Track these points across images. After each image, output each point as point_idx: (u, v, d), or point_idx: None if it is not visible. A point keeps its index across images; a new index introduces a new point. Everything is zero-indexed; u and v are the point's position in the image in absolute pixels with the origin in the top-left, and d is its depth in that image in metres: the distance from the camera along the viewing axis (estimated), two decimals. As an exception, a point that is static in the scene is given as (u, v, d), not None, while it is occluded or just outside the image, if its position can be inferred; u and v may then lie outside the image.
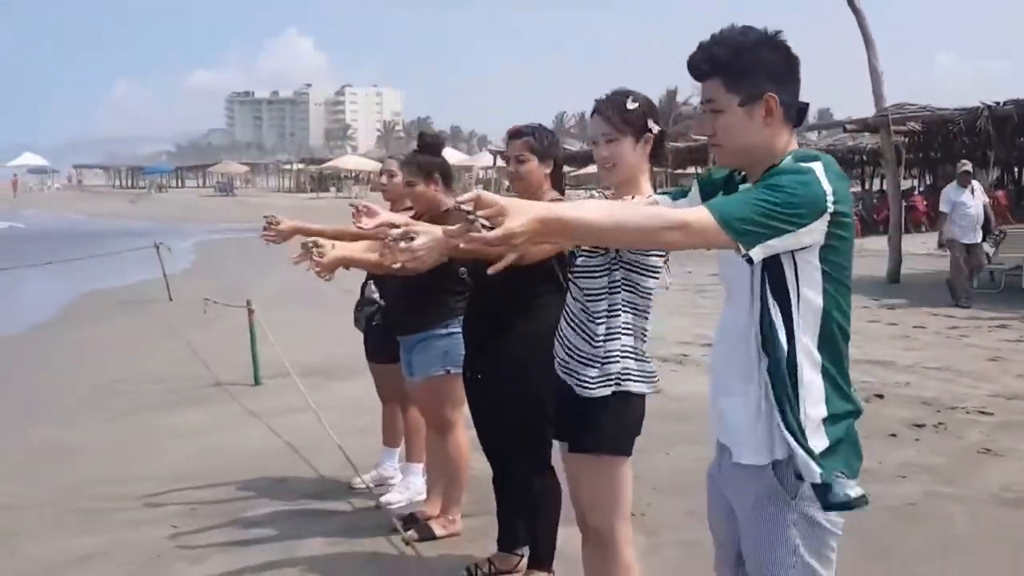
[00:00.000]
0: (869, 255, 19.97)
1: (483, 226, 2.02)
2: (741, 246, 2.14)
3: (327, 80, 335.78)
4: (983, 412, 7.15)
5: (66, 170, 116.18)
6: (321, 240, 4.38)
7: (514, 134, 4.23)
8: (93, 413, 8.02)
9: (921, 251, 20.18)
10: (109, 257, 18.78)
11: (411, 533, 4.81)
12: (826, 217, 2.19)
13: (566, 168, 15.05)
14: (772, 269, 2.25)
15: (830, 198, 2.19)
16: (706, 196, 2.48)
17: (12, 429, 7.59)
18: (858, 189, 30.77)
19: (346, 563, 4.60)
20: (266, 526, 5.14)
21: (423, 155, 4.84)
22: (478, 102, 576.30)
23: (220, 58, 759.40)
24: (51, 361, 10.94)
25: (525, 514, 4.24)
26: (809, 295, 2.27)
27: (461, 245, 2.07)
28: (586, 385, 3.15)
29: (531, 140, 4.12)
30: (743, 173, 2.46)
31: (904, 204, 24.90)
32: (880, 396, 7.72)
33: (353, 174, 67.33)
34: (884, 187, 27.90)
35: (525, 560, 4.29)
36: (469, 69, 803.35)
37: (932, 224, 25.99)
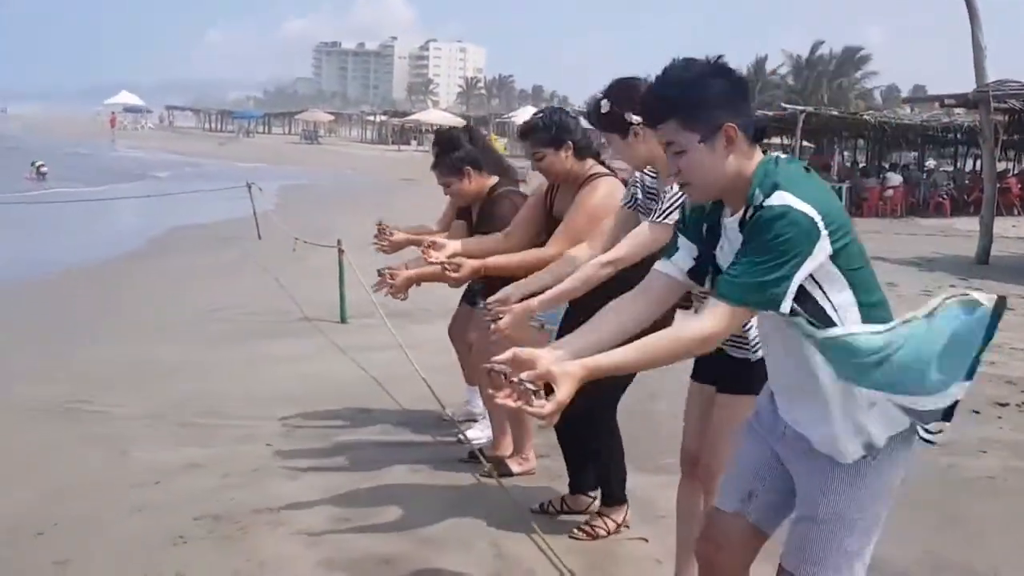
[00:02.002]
0: (958, 235, 19.60)
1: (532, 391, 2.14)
2: (771, 311, 2.24)
3: (412, 34, 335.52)
4: (1069, 395, 7.05)
5: (158, 110, 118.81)
6: (393, 266, 4.62)
7: (522, 135, 4.37)
8: (192, 336, 8.40)
9: (1012, 234, 19.67)
10: (202, 194, 19.33)
11: (490, 467, 4.98)
12: (823, 237, 2.22)
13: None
14: (799, 298, 2.27)
15: (818, 221, 2.21)
16: (694, 239, 2.51)
17: (118, 346, 8.02)
18: (950, 168, 29.95)
19: (427, 490, 4.79)
20: (354, 450, 5.38)
21: (445, 156, 5.03)
22: (560, 62, 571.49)
23: (313, 6, 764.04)
24: (151, 287, 11.42)
25: (595, 456, 4.33)
26: (839, 296, 2.30)
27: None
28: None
29: (538, 135, 4.22)
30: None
31: (997, 185, 24.35)
32: (964, 373, 7.66)
33: (434, 128, 67.54)
34: (977, 167, 27.16)
35: (597, 502, 4.41)
36: (553, 29, 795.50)
37: (1025, 208, 25.40)
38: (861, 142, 35.86)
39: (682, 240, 2.54)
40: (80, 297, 10.70)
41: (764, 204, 2.23)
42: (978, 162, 26.12)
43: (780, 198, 2.21)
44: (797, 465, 2.51)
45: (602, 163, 4.36)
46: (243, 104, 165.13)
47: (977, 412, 6.49)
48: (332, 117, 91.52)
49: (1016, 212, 24.61)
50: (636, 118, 3.24)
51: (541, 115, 4.34)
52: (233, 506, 4.51)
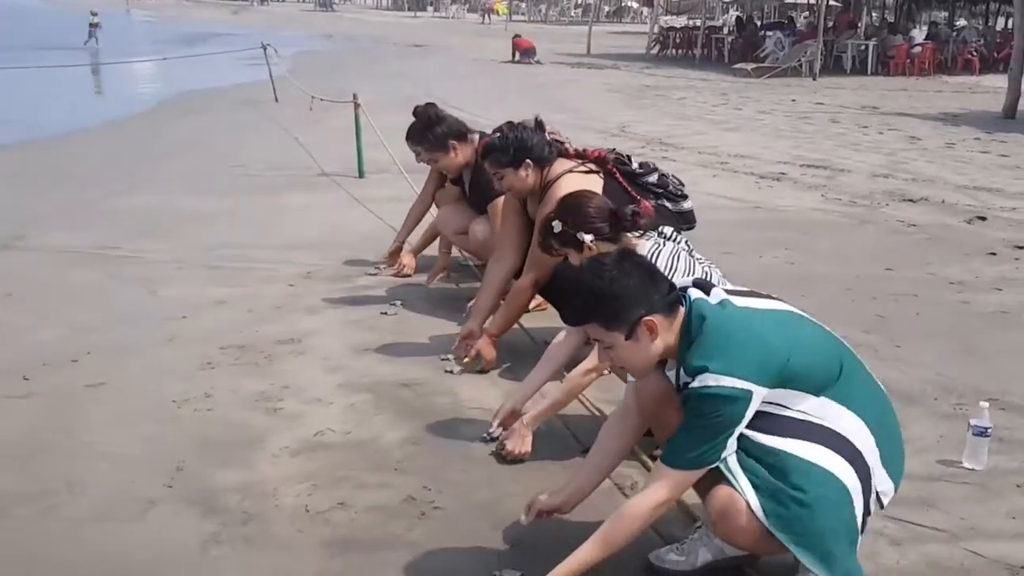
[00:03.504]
0: (986, 92, 19.18)
1: None
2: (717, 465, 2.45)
3: None
4: (1089, 239, 7.02)
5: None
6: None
7: (481, 155, 4.37)
8: (215, 188, 8.50)
9: (1042, 90, 19.20)
10: (218, 57, 19.13)
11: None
12: (756, 396, 2.39)
13: None
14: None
15: (749, 388, 2.36)
16: None
17: (144, 196, 8.13)
18: (980, 25, 29.03)
19: (446, 326, 4.89)
20: (374, 289, 5.51)
21: (427, 134, 5.03)
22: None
23: None
24: (175, 143, 11.52)
25: None
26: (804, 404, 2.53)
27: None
28: None
29: (496, 156, 4.21)
30: None
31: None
32: (983, 218, 7.64)
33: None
34: (1009, 25, 26.32)
35: None
36: None
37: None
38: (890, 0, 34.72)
39: None
40: (108, 152, 10.88)
41: (692, 387, 2.40)
42: (1010, 21, 25.22)
43: (706, 380, 2.36)
44: None
45: (573, 152, 4.34)
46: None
47: (994, 254, 6.50)
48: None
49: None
50: (588, 236, 3.31)
51: (498, 135, 4.30)
52: (258, 337, 4.64)
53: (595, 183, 4.17)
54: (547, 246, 3.45)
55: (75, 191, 8.35)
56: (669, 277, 3.17)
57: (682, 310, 2.50)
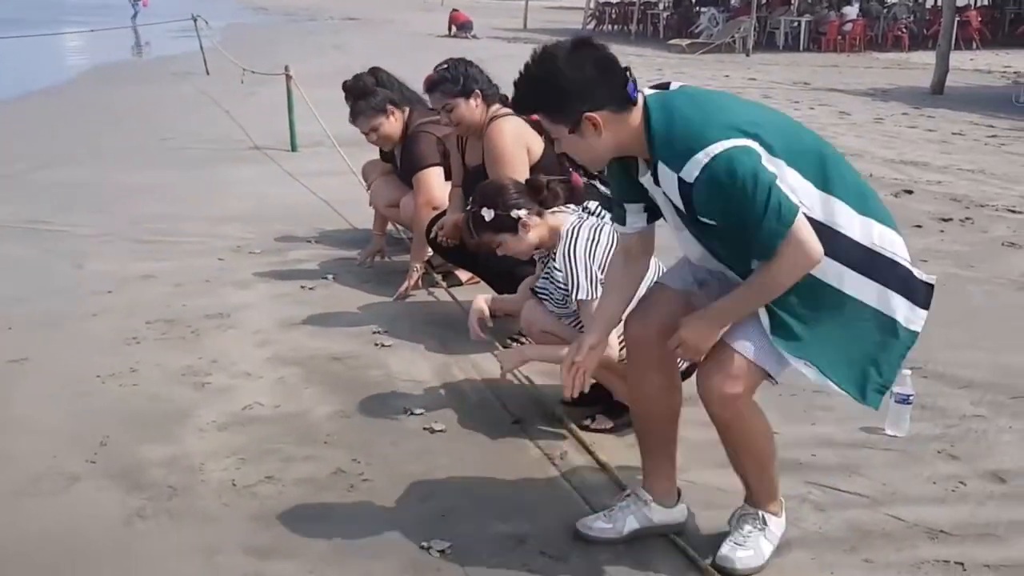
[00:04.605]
0: (915, 68, 19.54)
1: None
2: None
3: None
4: (1012, 210, 7.18)
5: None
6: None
7: (429, 88, 4.31)
8: (145, 161, 8.36)
9: (968, 67, 19.62)
10: (148, 28, 18.70)
11: (439, 277, 5.09)
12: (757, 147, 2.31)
13: None
14: None
15: (746, 145, 2.28)
16: (632, 198, 2.59)
17: (74, 169, 7.98)
18: (911, 2, 29.51)
19: (379, 299, 4.87)
20: (305, 263, 5.45)
21: (364, 103, 4.92)
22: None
23: None
24: (103, 115, 11.27)
25: None
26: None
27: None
28: None
29: (446, 87, 4.18)
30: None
31: (957, 19, 24.12)
32: (909, 192, 7.78)
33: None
34: (938, 2, 26.84)
35: None
36: None
37: (983, 42, 25.25)
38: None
39: (627, 207, 2.62)
40: (36, 124, 10.61)
41: (696, 177, 2.28)
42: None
43: (699, 160, 2.27)
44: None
45: (509, 105, 4.28)
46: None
47: (919, 226, 6.63)
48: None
49: (975, 46, 24.44)
50: (521, 212, 3.27)
51: (446, 67, 4.26)
52: (185, 312, 4.57)
53: (535, 138, 4.18)
54: (481, 238, 3.38)
55: (2, 164, 8.12)
56: (592, 251, 3.19)
57: (638, 108, 2.41)
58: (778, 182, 2.28)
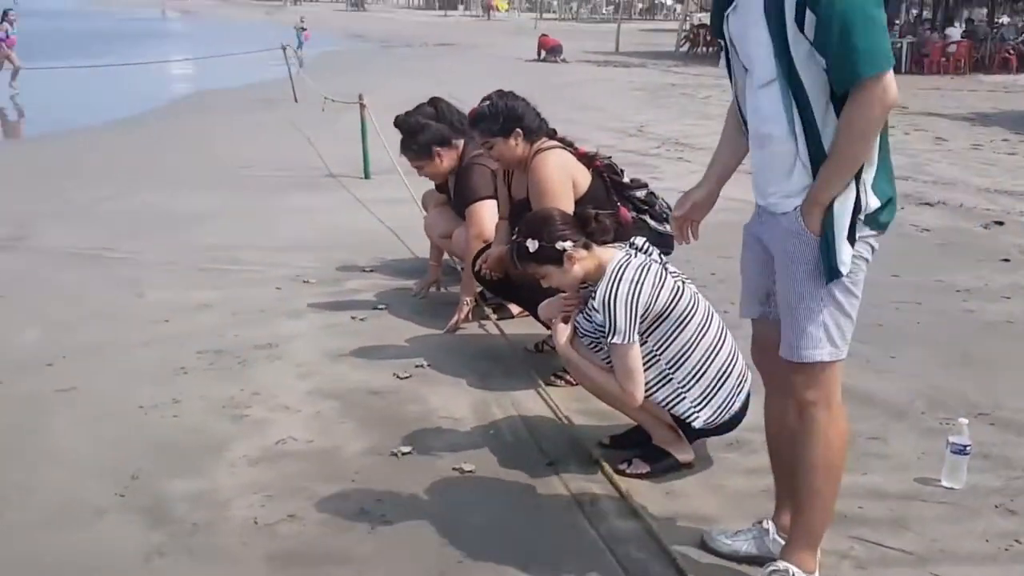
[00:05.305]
0: (1021, 91, 18.79)
1: None
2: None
3: None
4: (1111, 247, 6.79)
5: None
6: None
7: (471, 123, 4.27)
8: (219, 190, 8.50)
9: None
10: (246, 56, 19.25)
11: (490, 310, 5.04)
12: None
13: None
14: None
15: None
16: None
17: (147, 197, 8.17)
18: (1021, 23, 28.50)
19: (428, 331, 4.84)
20: (362, 293, 5.46)
21: (411, 140, 4.96)
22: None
23: None
24: (188, 143, 11.58)
25: None
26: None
27: None
28: None
29: (486, 125, 4.13)
30: None
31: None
32: (1000, 223, 7.42)
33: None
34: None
35: None
36: None
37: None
38: (929, -3, 34.19)
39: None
40: (114, 152, 10.93)
41: None
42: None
43: None
44: (774, 244, 2.51)
45: (558, 139, 4.26)
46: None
47: (1007, 260, 6.31)
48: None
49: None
50: (567, 244, 3.17)
51: (488, 103, 4.20)
52: (236, 342, 4.60)
53: (582, 172, 4.11)
54: (525, 269, 3.29)
55: (79, 190, 8.40)
56: (636, 294, 3.08)
57: None
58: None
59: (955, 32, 25.08)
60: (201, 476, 3.32)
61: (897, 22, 27.75)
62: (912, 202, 8.04)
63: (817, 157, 2.33)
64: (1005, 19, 34.12)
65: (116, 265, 5.99)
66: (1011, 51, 24.59)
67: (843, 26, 2.19)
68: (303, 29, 28.93)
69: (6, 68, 17.25)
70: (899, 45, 24.31)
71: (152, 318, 4.95)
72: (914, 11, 35.08)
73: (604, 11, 59.44)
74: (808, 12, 2.23)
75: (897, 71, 16.44)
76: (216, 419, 3.77)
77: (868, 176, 2.36)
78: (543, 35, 27.24)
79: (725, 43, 2.55)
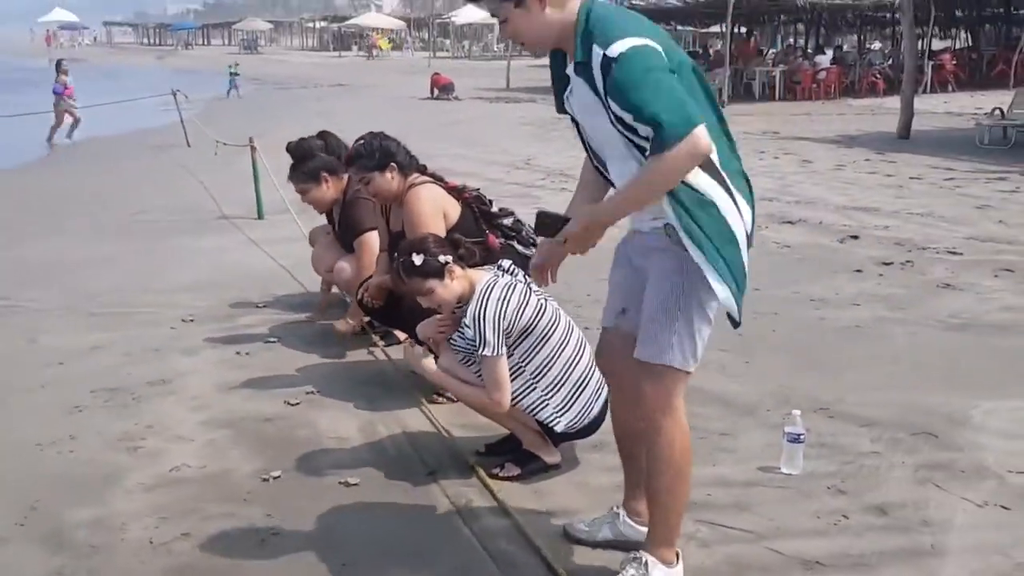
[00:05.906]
0: (888, 113, 19.83)
1: None
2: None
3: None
4: (953, 252, 7.39)
5: (95, 27, 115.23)
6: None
7: (346, 162, 4.63)
8: (112, 236, 8.61)
9: (941, 110, 19.98)
10: (136, 103, 19.15)
11: (376, 337, 5.31)
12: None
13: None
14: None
15: (647, 44, 2.50)
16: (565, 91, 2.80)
17: (39, 245, 8.21)
18: (888, 48, 30.12)
19: (317, 360, 5.09)
20: (255, 327, 5.67)
21: (301, 165, 5.29)
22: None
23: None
24: (82, 191, 11.61)
25: None
26: None
27: None
28: None
29: (362, 162, 4.45)
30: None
31: (932, 63, 24.57)
32: (855, 237, 8.00)
33: (374, 30, 66.49)
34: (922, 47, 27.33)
35: None
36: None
37: (960, 84, 25.67)
38: (801, 26, 35.82)
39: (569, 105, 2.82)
40: (6, 201, 10.86)
41: (620, 53, 2.47)
42: (924, 43, 26.20)
43: (618, 48, 2.47)
44: (638, 260, 2.83)
45: (428, 174, 4.58)
46: (183, 17, 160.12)
47: (859, 271, 6.83)
48: (271, 25, 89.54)
49: (950, 88, 24.87)
50: (447, 257, 3.48)
51: (363, 142, 4.52)
52: (130, 380, 4.77)
53: (452, 204, 4.43)
54: (411, 284, 3.53)
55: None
56: (503, 310, 3.41)
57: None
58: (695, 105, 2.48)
59: (824, 59, 26.35)
60: (98, 504, 3.49)
61: (774, 49, 29.07)
62: (775, 221, 8.58)
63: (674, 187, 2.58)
64: (876, 44, 35.97)
65: (7, 313, 6.06)
66: (878, 75, 25.98)
67: (636, 106, 2.45)
68: (236, 74, 28.94)
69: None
70: (773, 74, 25.49)
71: (46, 361, 5.07)
72: (790, 40, 36.74)
73: (495, 48, 60.37)
74: (611, 102, 2.54)
75: (771, 99, 17.22)
76: (112, 452, 3.94)
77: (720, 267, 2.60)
78: (436, 73, 27.67)
79: (571, 117, 2.87)
